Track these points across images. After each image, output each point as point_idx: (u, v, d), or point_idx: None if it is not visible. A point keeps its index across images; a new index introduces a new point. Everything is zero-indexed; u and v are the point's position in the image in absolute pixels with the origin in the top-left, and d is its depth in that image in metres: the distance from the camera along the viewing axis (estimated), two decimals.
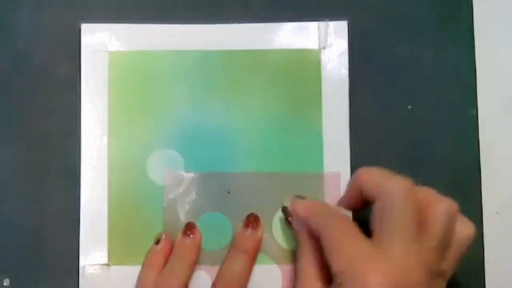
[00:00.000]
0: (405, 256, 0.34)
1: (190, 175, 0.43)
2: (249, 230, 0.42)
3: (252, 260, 0.42)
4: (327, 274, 0.36)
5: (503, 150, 0.44)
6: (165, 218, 0.43)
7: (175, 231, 0.43)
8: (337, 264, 0.35)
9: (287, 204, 0.42)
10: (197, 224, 0.43)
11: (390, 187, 0.36)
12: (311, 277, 0.38)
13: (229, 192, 0.43)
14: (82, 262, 0.43)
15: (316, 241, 0.38)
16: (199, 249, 0.42)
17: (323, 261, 0.37)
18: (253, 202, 0.43)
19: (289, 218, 0.42)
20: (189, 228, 0.42)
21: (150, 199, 0.43)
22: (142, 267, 0.42)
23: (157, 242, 0.42)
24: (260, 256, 0.43)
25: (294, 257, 0.42)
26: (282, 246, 0.43)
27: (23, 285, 0.43)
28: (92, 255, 0.43)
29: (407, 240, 0.34)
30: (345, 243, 0.35)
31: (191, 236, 0.42)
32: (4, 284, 0.43)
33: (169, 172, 0.43)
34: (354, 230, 0.36)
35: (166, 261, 0.41)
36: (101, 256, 0.43)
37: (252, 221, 0.42)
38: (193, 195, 0.43)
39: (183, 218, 0.43)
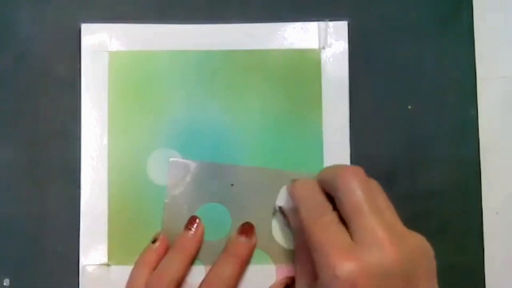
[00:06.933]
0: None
1: (195, 163, 0.43)
2: (243, 237, 0.42)
3: (242, 266, 0.42)
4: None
5: (503, 150, 0.44)
6: (166, 207, 0.43)
7: (176, 221, 0.43)
8: (315, 256, 0.35)
9: (281, 204, 0.42)
10: (197, 214, 0.43)
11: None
12: (305, 274, 0.38)
13: (232, 185, 0.43)
14: (82, 261, 0.43)
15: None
16: (200, 244, 0.42)
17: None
18: (255, 197, 0.43)
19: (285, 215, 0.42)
20: (192, 221, 0.42)
21: (150, 199, 0.43)
22: (136, 264, 0.42)
23: (154, 241, 0.42)
24: (258, 254, 0.43)
25: (291, 256, 0.42)
26: (280, 245, 0.43)
27: (23, 285, 0.43)
28: (92, 254, 0.43)
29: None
30: (322, 236, 0.35)
31: (193, 229, 0.42)
32: (4, 284, 0.43)
33: (174, 159, 0.43)
34: (332, 222, 0.36)
35: (161, 261, 0.41)
36: (101, 255, 0.43)
37: (247, 228, 0.42)
38: (196, 184, 0.43)
39: (184, 207, 0.43)
